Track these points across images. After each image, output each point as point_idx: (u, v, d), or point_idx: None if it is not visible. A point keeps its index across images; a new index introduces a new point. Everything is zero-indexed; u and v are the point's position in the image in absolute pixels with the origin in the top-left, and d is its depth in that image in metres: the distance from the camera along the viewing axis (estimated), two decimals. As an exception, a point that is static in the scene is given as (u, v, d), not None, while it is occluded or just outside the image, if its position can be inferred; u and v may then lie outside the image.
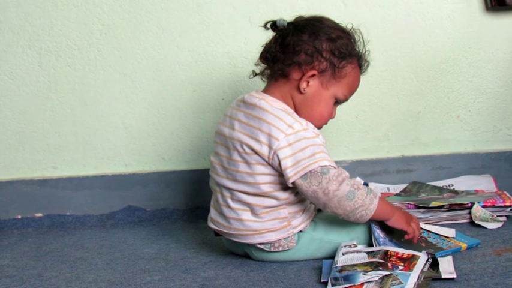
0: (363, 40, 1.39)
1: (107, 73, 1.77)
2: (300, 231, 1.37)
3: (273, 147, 1.30)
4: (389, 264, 1.23)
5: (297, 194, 1.35)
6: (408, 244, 1.35)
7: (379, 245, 1.32)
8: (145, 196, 1.80)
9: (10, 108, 1.78)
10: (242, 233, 1.36)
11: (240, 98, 1.41)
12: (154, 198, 1.80)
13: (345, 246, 1.32)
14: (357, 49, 1.39)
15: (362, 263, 1.25)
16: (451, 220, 1.57)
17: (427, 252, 1.26)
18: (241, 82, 1.77)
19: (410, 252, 1.26)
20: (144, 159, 1.81)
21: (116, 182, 1.79)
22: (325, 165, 1.28)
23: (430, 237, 1.41)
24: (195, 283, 1.29)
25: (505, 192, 1.63)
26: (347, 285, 1.18)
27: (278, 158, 1.30)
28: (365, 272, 1.21)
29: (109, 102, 1.78)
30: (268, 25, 1.39)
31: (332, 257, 1.33)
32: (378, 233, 1.35)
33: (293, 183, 1.30)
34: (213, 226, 1.42)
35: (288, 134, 1.30)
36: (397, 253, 1.26)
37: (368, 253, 1.28)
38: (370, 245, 1.35)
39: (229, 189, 1.36)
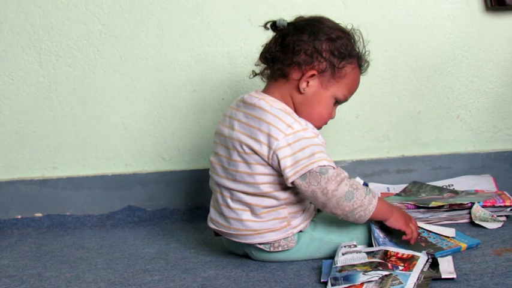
0: (363, 40, 1.39)
1: (107, 73, 1.77)
2: (300, 231, 1.37)
3: (272, 147, 1.30)
4: (389, 265, 1.23)
5: (296, 194, 1.35)
6: (407, 244, 1.35)
7: (379, 245, 1.32)
8: (145, 196, 1.80)
9: (10, 108, 1.78)
10: (242, 233, 1.36)
11: (239, 98, 1.41)
12: (154, 198, 1.80)
13: (344, 247, 1.32)
14: (357, 49, 1.39)
15: (362, 263, 1.25)
16: (451, 220, 1.57)
17: (426, 253, 1.26)
18: (241, 82, 1.77)
19: (410, 252, 1.26)
20: (144, 159, 1.81)
21: (116, 182, 1.79)
22: (324, 165, 1.28)
23: (430, 237, 1.41)
24: (195, 283, 1.29)
25: (505, 192, 1.63)
26: (347, 285, 1.18)
27: (277, 157, 1.30)
28: (365, 272, 1.21)
29: (109, 102, 1.78)
30: (268, 25, 1.39)
31: (332, 257, 1.33)
32: (378, 233, 1.35)
33: (292, 183, 1.30)
34: (212, 226, 1.42)
35: (287, 134, 1.30)
36: (397, 253, 1.26)
37: (368, 253, 1.28)
38: (370, 245, 1.35)
39: (229, 189, 1.37)
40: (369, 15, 1.76)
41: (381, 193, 1.74)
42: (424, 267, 1.21)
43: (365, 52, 1.40)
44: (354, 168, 1.80)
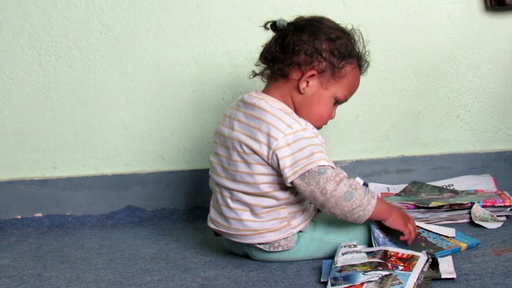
0: (363, 40, 1.39)
1: (106, 73, 1.77)
2: (300, 231, 1.37)
3: (272, 147, 1.30)
4: (389, 265, 1.23)
5: (296, 194, 1.35)
6: (406, 244, 1.35)
7: (379, 245, 1.32)
8: (145, 196, 1.80)
9: (10, 108, 1.78)
10: (242, 233, 1.36)
11: (239, 98, 1.41)
12: (154, 198, 1.80)
13: (344, 247, 1.32)
14: (357, 49, 1.39)
15: (362, 263, 1.25)
16: (451, 220, 1.57)
17: (426, 253, 1.26)
18: (241, 82, 1.77)
19: (410, 252, 1.26)
20: (144, 159, 1.81)
21: (116, 182, 1.79)
22: (323, 165, 1.28)
23: (430, 236, 1.41)
24: (195, 283, 1.29)
25: (504, 192, 1.63)
26: (347, 285, 1.18)
27: (277, 157, 1.30)
28: (365, 272, 1.21)
29: (109, 102, 1.78)
30: (268, 25, 1.39)
31: (332, 257, 1.33)
32: (378, 233, 1.35)
33: (291, 183, 1.30)
34: (212, 226, 1.42)
35: (286, 134, 1.30)
36: (397, 253, 1.26)
37: (368, 253, 1.28)
38: (369, 245, 1.35)
39: (229, 189, 1.37)
40: (369, 15, 1.76)
41: (381, 193, 1.74)
42: (424, 267, 1.21)
43: (365, 52, 1.40)
44: (354, 168, 1.81)
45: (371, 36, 1.42)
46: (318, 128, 1.38)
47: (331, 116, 1.40)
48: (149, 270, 1.39)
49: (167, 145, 1.81)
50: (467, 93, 1.82)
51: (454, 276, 1.20)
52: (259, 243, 1.35)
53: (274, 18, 1.38)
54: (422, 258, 1.24)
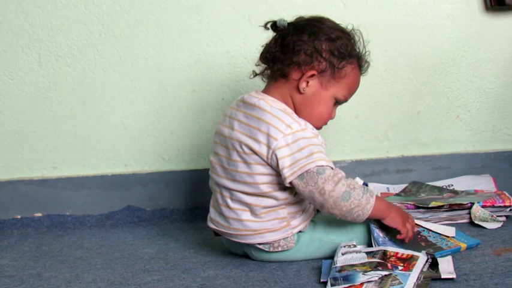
0: (363, 41, 1.39)
1: (106, 73, 1.77)
2: (300, 231, 1.37)
3: (271, 147, 1.30)
4: (389, 265, 1.23)
5: (296, 194, 1.35)
6: (406, 243, 1.35)
7: (379, 245, 1.32)
8: (145, 196, 1.80)
9: (10, 108, 1.78)
10: (241, 233, 1.36)
11: (239, 98, 1.41)
12: (154, 198, 1.80)
13: (344, 247, 1.32)
14: (357, 49, 1.38)
15: (361, 263, 1.25)
16: (451, 220, 1.56)
17: (426, 253, 1.26)
18: (241, 82, 1.77)
19: (410, 252, 1.26)
20: (143, 159, 1.81)
21: (116, 182, 1.79)
22: (322, 165, 1.28)
23: (430, 236, 1.41)
24: (195, 283, 1.29)
25: (504, 192, 1.63)
26: (346, 285, 1.18)
27: (276, 157, 1.30)
28: (364, 272, 1.21)
29: (108, 102, 1.78)
30: (268, 25, 1.39)
31: (331, 257, 1.33)
32: (377, 233, 1.35)
33: (290, 183, 1.30)
34: (212, 226, 1.42)
35: (286, 134, 1.30)
36: (397, 253, 1.26)
37: (367, 253, 1.28)
38: (369, 245, 1.35)
39: (229, 189, 1.37)
40: (369, 15, 1.76)
41: (381, 193, 1.74)
42: (423, 267, 1.21)
43: (365, 52, 1.40)
44: (354, 168, 1.80)
45: (371, 36, 1.42)
46: (318, 128, 1.37)
47: (331, 116, 1.40)
48: (149, 270, 1.39)
49: (167, 145, 1.81)
50: (467, 93, 1.82)
51: (454, 276, 1.20)
52: (259, 243, 1.35)
53: (274, 18, 1.38)
54: (422, 258, 1.23)
